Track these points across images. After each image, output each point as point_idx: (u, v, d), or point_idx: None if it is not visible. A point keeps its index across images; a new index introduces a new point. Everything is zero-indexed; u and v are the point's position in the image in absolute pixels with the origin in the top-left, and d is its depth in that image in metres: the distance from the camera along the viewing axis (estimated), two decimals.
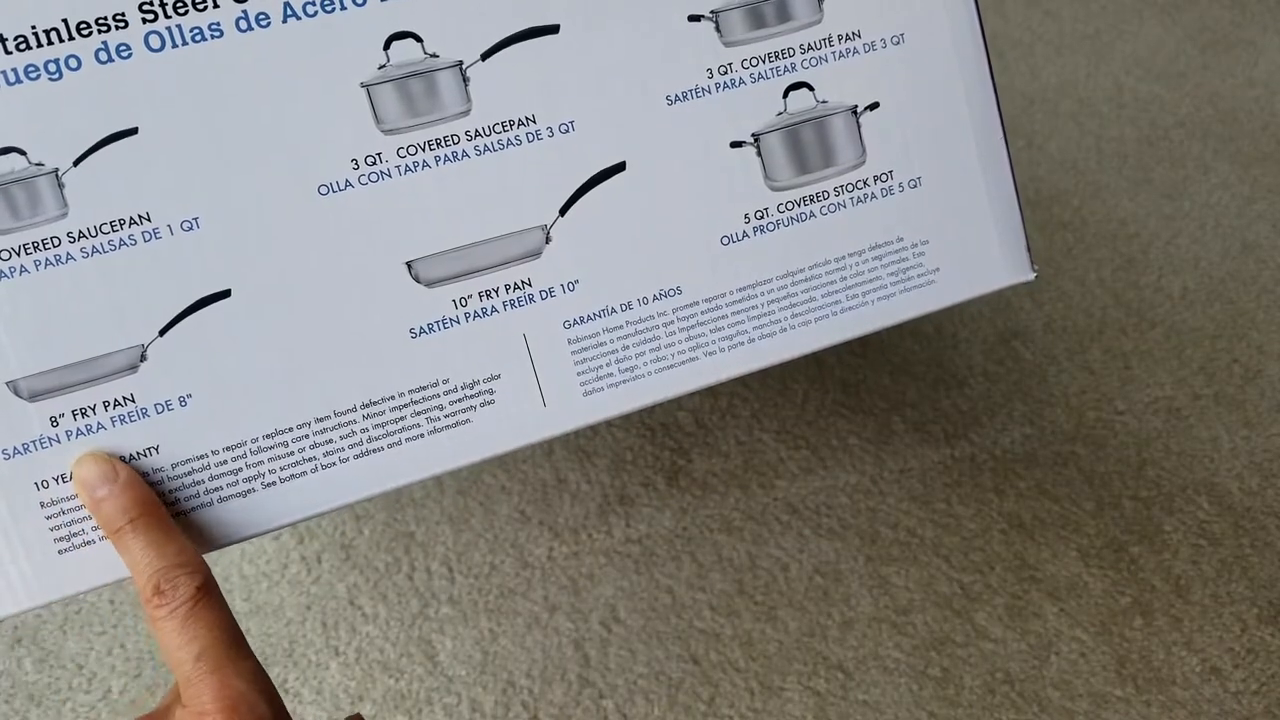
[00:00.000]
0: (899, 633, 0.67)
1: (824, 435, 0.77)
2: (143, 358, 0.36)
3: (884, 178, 0.43)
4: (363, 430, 0.39)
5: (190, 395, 0.37)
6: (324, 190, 0.38)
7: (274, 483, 0.38)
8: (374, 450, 0.39)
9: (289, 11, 0.37)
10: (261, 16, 0.37)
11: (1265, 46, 1.13)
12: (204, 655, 0.34)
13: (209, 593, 0.35)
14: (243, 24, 0.36)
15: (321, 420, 0.38)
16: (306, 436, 0.38)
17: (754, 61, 0.42)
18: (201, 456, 0.37)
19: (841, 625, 0.68)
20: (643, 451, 0.77)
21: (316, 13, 0.37)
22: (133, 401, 0.37)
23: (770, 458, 0.76)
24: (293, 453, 0.38)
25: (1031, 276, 0.45)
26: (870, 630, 0.68)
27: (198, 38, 0.36)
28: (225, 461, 0.37)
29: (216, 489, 0.37)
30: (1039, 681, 0.65)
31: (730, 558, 0.71)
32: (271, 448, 0.38)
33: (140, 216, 0.36)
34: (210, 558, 0.38)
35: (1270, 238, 0.90)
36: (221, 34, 0.36)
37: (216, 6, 0.36)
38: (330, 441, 0.38)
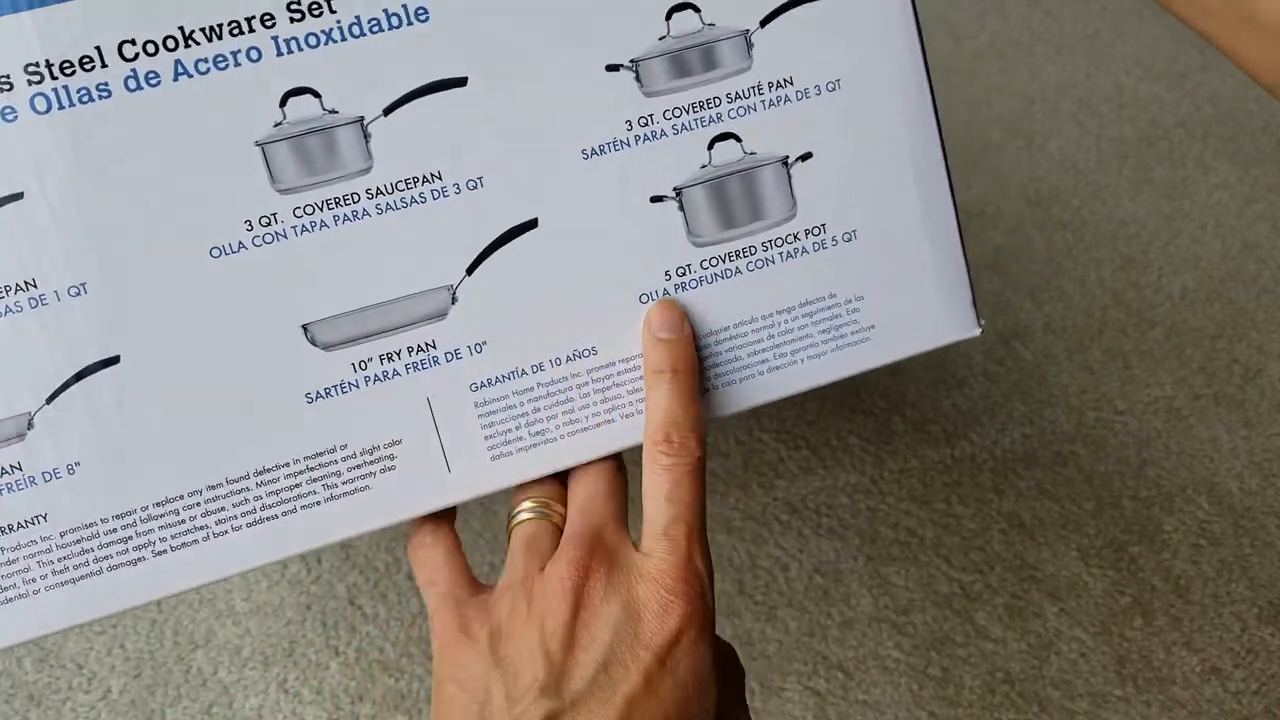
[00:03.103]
0: (899, 633, 0.67)
1: (824, 435, 0.77)
2: (29, 425, 0.36)
3: (816, 231, 0.41)
4: (256, 498, 0.37)
5: (79, 463, 0.36)
6: (216, 253, 0.36)
7: (165, 551, 0.37)
8: (268, 518, 0.38)
9: (180, 69, 0.36)
10: (151, 75, 0.35)
11: None
12: (680, 519, 0.35)
13: (702, 468, 0.37)
14: (131, 83, 0.35)
15: (214, 488, 0.37)
16: (198, 504, 0.37)
17: (677, 112, 0.40)
18: (90, 525, 0.36)
19: (841, 625, 0.68)
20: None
21: (209, 70, 0.36)
22: (20, 469, 0.36)
23: (770, 458, 0.76)
24: (184, 521, 0.37)
25: (977, 332, 0.43)
26: (870, 630, 0.68)
27: (85, 98, 0.35)
28: (115, 530, 0.37)
29: (106, 557, 0.37)
30: (1039, 681, 0.65)
31: (730, 558, 0.71)
32: (162, 515, 0.37)
33: (26, 283, 0.35)
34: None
35: (1270, 238, 0.90)
36: (110, 94, 0.35)
37: (105, 66, 0.35)
38: (223, 510, 0.37)
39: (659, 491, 0.36)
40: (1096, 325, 0.84)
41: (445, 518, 0.40)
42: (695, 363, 0.39)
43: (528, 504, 0.39)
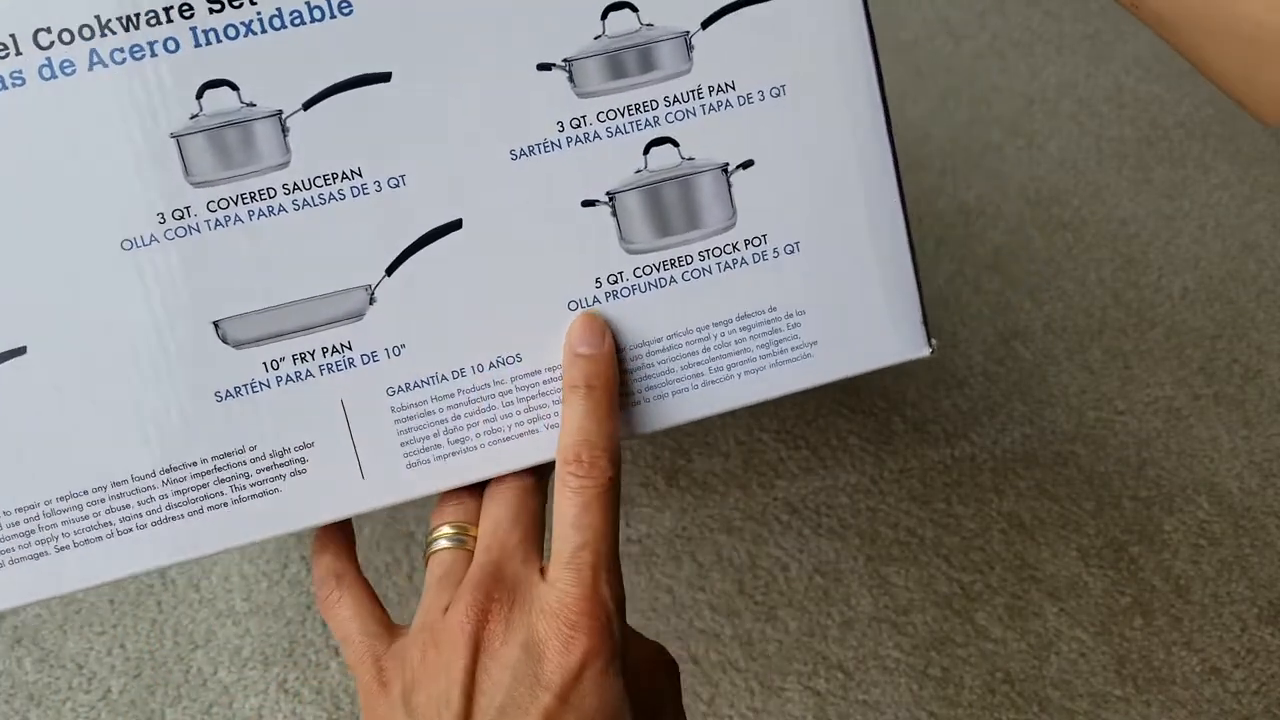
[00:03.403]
0: (899, 633, 0.67)
1: (824, 435, 0.77)
2: None
3: (756, 242, 0.40)
4: (162, 497, 0.37)
5: None
6: (128, 245, 0.36)
7: (68, 546, 0.36)
8: (174, 518, 0.37)
9: (95, 59, 0.35)
10: (66, 64, 0.35)
11: None
12: (586, 547, 0.34)
13: (615, 489, 0.35)
14: (46, 71, 0.35)
15: (119, 485, 0.36)
16: (103, 501, 0.36)
17: (611, 114, 0.38)
18: None
19: (841, 625, 0.68)
20: (642, 451, 0.76)
21: (125, 60, 0.35)
22: None
23: (770, 458, 0.76)
24: (88, 517, 0.36)
25: (927, 352, 0.41)
26: (870, 630, 0.68)
27: None
28: (17, 523, 0.36)
29: (8, 550, 0.36)
30: (1039, 681, 0.65)
31: (730, 558, 0.71)
32: (66, 510, 0.36)
33: None
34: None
35: (1270, 238, 0.90)
36: (24, 82, 0.35)
37: (19, 54, 0.35)
38: (128, 507, 0.36)
39: (566, 516, 0.35)
40: (1096, 325, 0.84)
41: (347, 562, 0.39)
42: (614, 380, 0.38)
43: (445, 529, 0.38)
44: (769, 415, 0.79)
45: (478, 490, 0.39)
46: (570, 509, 0.35)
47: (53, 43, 0.35)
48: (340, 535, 0.40)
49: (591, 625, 0.33)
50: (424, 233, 0.37)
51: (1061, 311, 0.85)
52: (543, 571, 0.35)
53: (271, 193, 0.37)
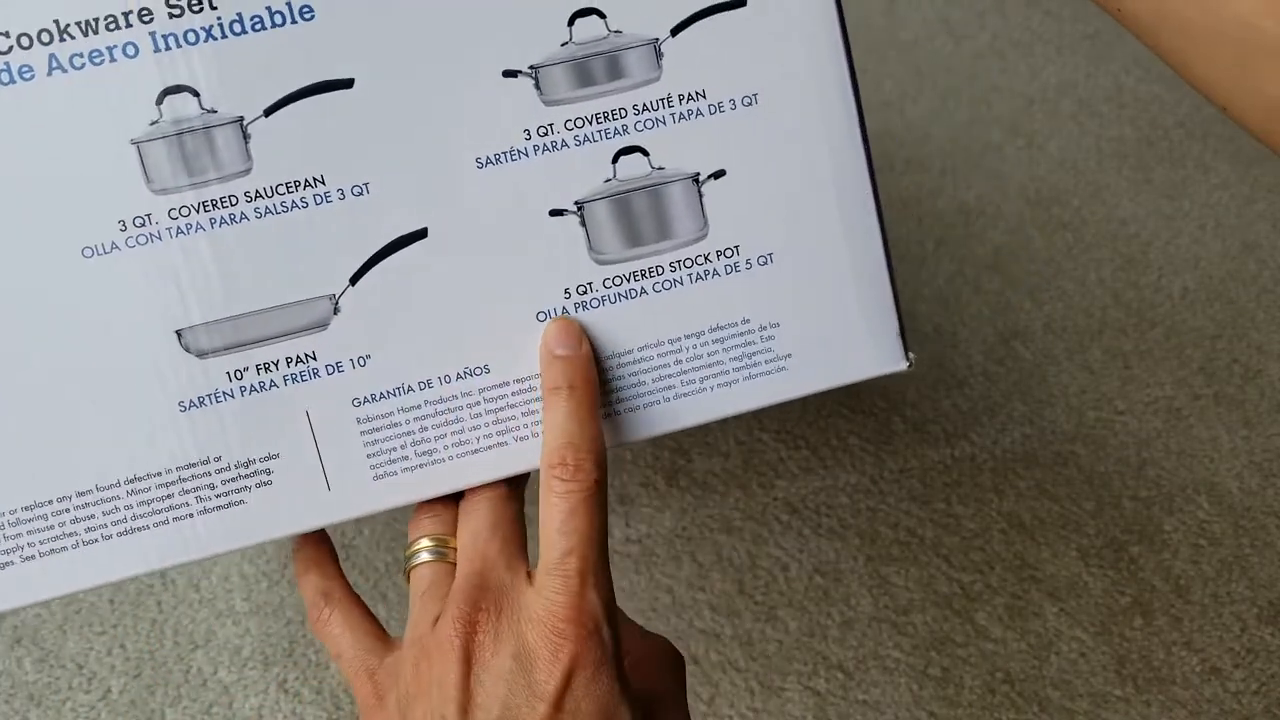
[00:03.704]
0: (899, 633, 0.67)
1: (824, 435, 0.77)
2: None
3: (729, 253, 0.39)
4: (127, 507, 0.36)
5: None
6: (88, 253, 0.35)
7: (32, 556, 0.36)
8: (139, 529, 0.36)
9: (54, 64, 0.34)
10: (25, 69, 0.34)
11: None
12: (573, 553, 0.34)
13: (601, 492, 0.35)
14: (4, 76, 0.34)
15: (83, 495, 0.36)
16: (67, 511, 0.36)
17: (579, 123, 0.38)
18: None
19: (841, 625, 0.68)
20: (642, 451, 0.76)
21: (84, 65, 0.35)
22: None
23: (770, 458, 0.76)
24: (52, 527, 0.36)
25: (903, 367, 0.40)
26: (870, 630, 0.68)
27: None
28: None
29: None
30: (1039, 681, 0.65)
31: (730, 558, 0.71)
32: (30, 520, 0.36)
33: None
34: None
35: (1270, 238, 0.90)
36: None
37: None
38: (92, 517, 0.36)
39: (552, 522, 0.34)
40: (1096, 325, 0.84)
41: (333, 579, 0.39)
42: (595, 380, 0.37)
43: (424, 542, 0.38)
44: (769, 415, 0.79)
45: (453, 501, 0.39)
46: (556, 514, 0.34)
47: (10, 48, 0.34)
48: (321, 552, 0.40)
49: (579, 633, 0.33)
50: (388, 241, 0.37)
51: (1061, 311, 0.85)
52: (530, 576, 0.35)
53: (234, 200, 0.36)
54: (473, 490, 0.38)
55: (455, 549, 0.37)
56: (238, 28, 0.36)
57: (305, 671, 0.66)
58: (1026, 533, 0.72)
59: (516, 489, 0.39)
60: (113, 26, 0.35)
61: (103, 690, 0.65)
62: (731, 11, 0.38)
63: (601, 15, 0.38)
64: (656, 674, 0.37)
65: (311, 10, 0.36)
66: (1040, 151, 0.97)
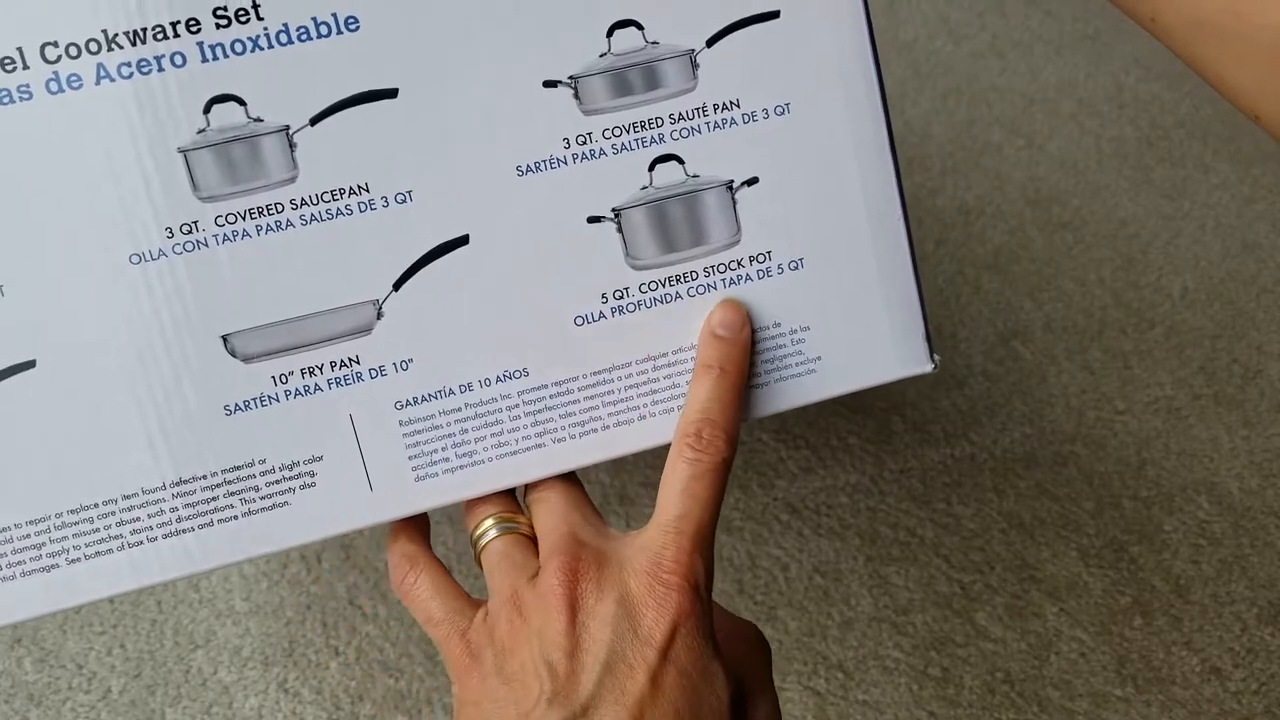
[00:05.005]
0: (899, 633, 0.67)
1: (824, 435, 0.77)
2: None
3: (761, 259, 0.40)
4: (172, 510, 0.37)
5: None
6: (136, 259, 0.36)
7: (79, 559, 0.36)
8: (184, 530, 0.37)
9: (102, 73, 0.35)
10: (74, 78, 0.35)
11: None
12: (688, 516, 0.35)
13: (726, 469, 0.36)
14: (53, 85, 0.35)
15: (129, 498, 0.37)
16: (113, 514, 0.37)
17: (617, 131, 0.38)
18: (4, 530, 0.36)
19: (841, 625, 0.68)
20: (643, 451, 0.77)
21: (132, 74, 0.35)
22: None
23: (770, 458, 0.76)
24: (98, 530, 0.36)
25: (929, 368, 0.42)
26: (870, 630, 0.68)
27: (6, 100, 0.35)
28: (29, 536, 0.36)
29: (19, 563, 0.36)
30: (1039, 681, 0.65)
31: (730, 558, 0.71)
32: (77, 523, 0.36)
33: None
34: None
35: (1270, 238, 0.90)
36: (30, 96, 0.35)
37: (26, 68, 0.34)
38: (138, 520, 0.37)
39: (676, 483, 0.36)
40: (1096, 325, 0.84)
41: (420, 545, 0.39)
42: (746, 367, 0.39)
43: (490, 521, 0.38)
44: (769, 416, 0.79)
45: (508, 490, 0.40)
46: (679, 479, 0.36)
47: (59, 57, 0.35)
48: (414, 521, 0.40)
49: (684, 585, 0.34)
50: (431, 248, 0.38)
51: (1061, 311, 0.85)
52: (620, 541, 0.36)
53: (279, 208, 0.37)
54: (533, 485, 0.39)
55: (524, 521, 0.38)
56: (284, 38, 0.36)
57: (305, 671, 0.66)
58: (1026, 533, 0.72)
59: (574, 478, 0.40)
60: (160, 36, 0.35)
61: (103, 690, 0.65)
62: (765, 23, 0.39)
63: (639, 26, 0.38)
64: (746, 654, 0.38)
65: (356, 21, 0.36)
66: (1040, 151, 0.97)
